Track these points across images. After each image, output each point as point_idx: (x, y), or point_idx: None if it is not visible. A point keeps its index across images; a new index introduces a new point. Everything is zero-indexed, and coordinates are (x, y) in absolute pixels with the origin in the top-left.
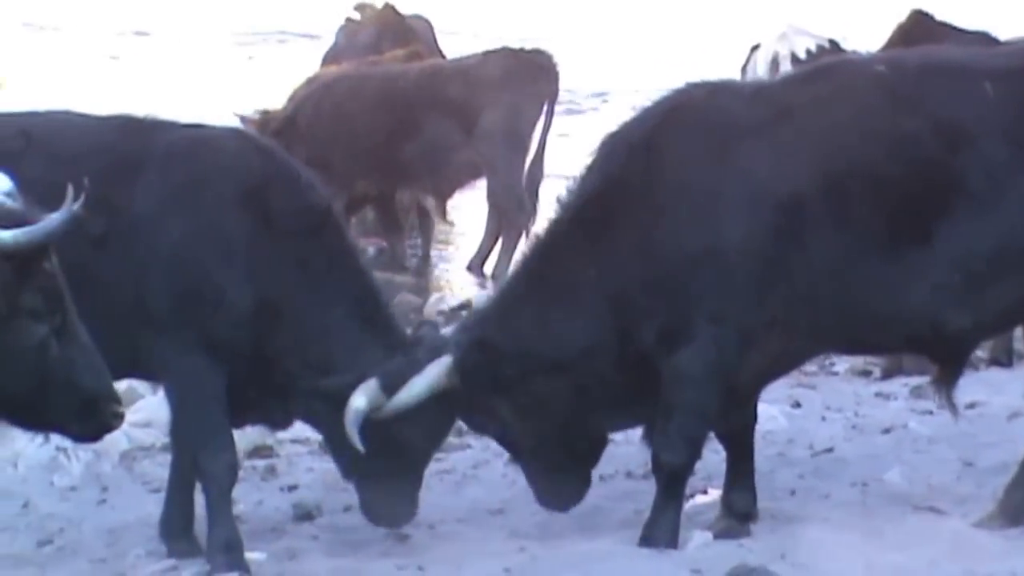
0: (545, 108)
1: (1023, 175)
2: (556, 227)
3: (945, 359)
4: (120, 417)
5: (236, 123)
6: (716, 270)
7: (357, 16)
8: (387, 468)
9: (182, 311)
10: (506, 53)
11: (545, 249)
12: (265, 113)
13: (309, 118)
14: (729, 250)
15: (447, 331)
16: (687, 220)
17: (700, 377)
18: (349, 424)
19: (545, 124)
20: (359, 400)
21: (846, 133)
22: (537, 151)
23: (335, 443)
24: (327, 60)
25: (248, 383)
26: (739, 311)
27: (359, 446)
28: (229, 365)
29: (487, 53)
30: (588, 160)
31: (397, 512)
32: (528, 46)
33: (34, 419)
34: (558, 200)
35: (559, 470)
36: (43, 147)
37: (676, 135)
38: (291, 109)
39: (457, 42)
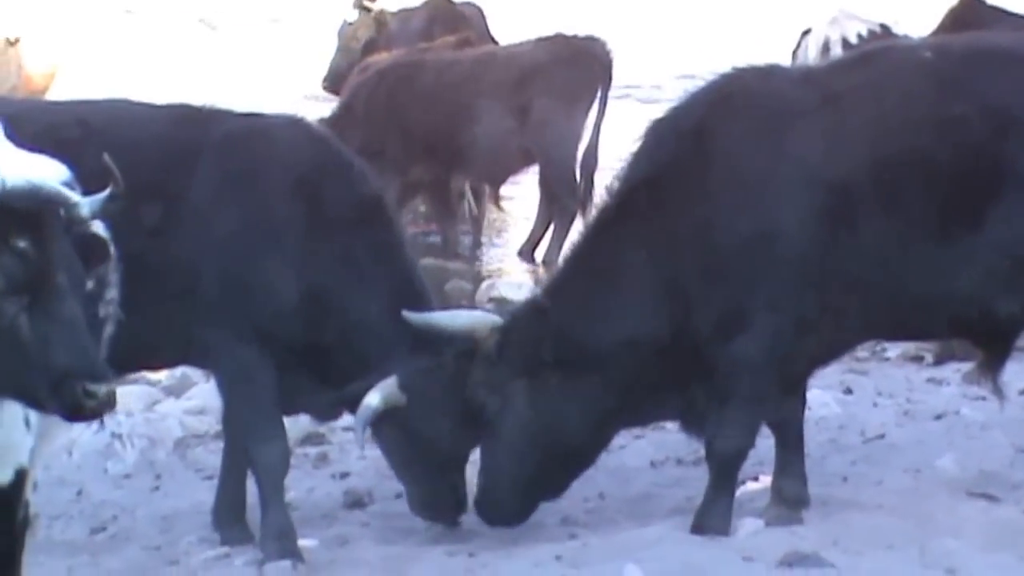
0: (599, 95)
1: None
2: (606, 214)
3: (992, 344)
4: (94, 397)
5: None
6: (770, 256)
7: (372, 6)
8: (429, 461)
9: (233, 299)
10: (559, 40)
11: (596, 236)
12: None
13: (363, 105)
14: (783, 235)
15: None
16: (740, 205)
17: (757, 365)
18: (358, 421)
19: (599, 111)
20: (374, 398)
21: (893, 119)
22: (592, 138)
23: (380, 439)
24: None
25: (299, 373)
26: (794, 297)
27: (360, 443)
28: (279, 354)
29: (540, 40)
30: (635, 146)
31: (442, 506)
32: (582, 33)
33: (14, 395)
34: (606, 189)
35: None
36: (100, 136)
37: (727, 120)
38: (346, 97)
39: (510, 29)
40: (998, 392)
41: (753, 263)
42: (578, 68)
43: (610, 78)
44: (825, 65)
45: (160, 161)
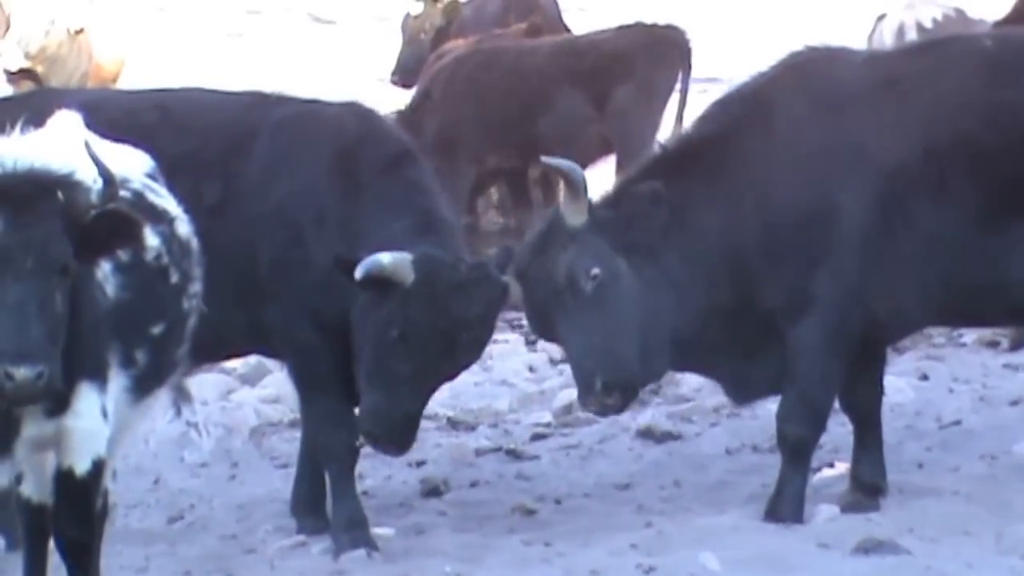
0: (679, 84)
1: None
2: (663, 160)
3: None
4: (11, 379)
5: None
6: (820, 233)
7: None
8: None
9: (282, 278)
10: (640, 28)
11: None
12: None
13: (441, 92)
14: (832, 213)
15: None
16: (792, 179)
17: (822, 346)
18: (360, 267)
19: (680, 100)
20: (386, 257)
21: (948, 104)
22: (675, 128)
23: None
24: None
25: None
26: (855, 278)
27: (357, 276)
28: (343, 341)
29: (620, 28)
30: (700, 114)
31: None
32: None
33: None
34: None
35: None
36: (176, 120)
37: (787, 95)
38: (424, 84)
39: (587, 19)
40: None
41: (803, 239)
42: (658, 57)
43: (690, 67)
44: (890, 50)
45: (225, 144)
